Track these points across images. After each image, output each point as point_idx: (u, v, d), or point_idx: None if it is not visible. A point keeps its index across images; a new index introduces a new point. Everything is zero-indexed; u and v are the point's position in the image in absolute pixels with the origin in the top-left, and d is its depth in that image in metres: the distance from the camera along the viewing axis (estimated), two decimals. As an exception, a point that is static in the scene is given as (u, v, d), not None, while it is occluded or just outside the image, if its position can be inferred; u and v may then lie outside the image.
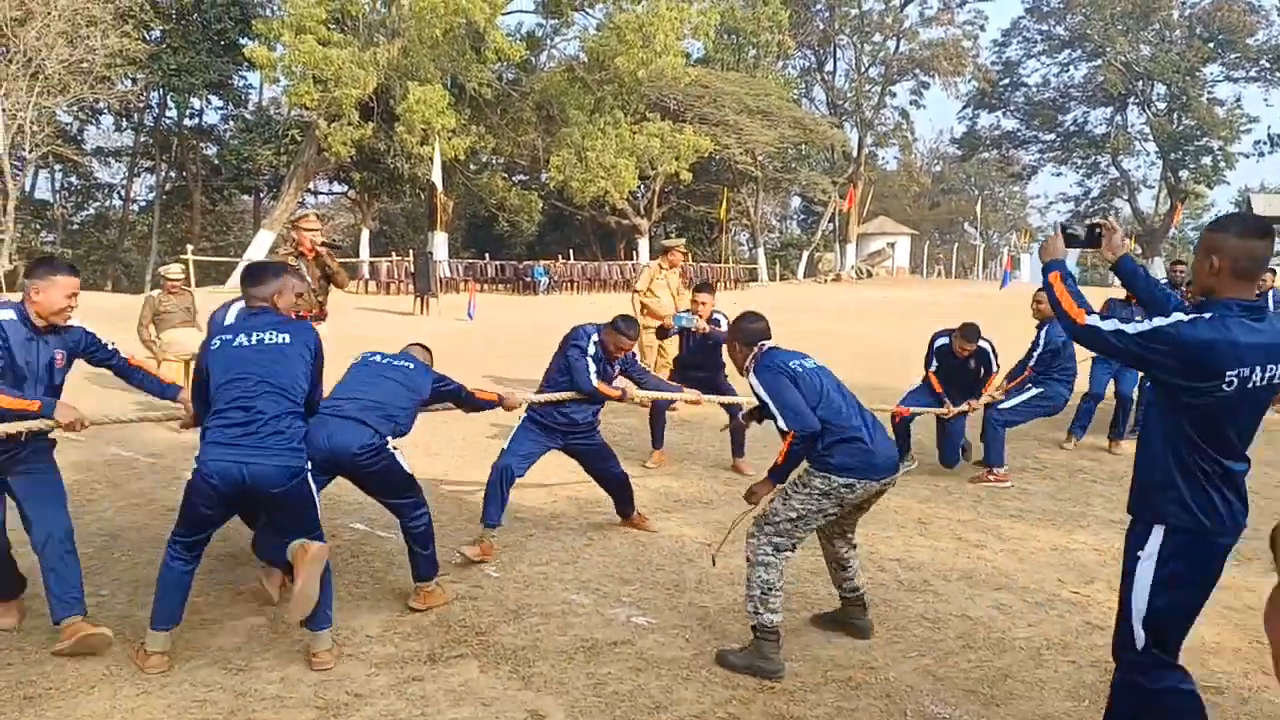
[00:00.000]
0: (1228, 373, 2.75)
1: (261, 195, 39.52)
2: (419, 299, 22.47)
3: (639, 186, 34.96)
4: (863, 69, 49.70)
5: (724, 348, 5.36)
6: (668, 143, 30.40)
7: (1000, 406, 7.52)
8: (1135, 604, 2.93)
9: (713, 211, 42.45)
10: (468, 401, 5.26)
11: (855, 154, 48.97)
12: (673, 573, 5.19)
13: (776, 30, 40.46)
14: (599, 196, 30.63)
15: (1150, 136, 56.52)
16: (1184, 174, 55.26)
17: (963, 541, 5.92)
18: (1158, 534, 2.90)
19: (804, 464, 4.10)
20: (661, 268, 10.41)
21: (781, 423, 4.03)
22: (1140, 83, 55.18)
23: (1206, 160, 55.07)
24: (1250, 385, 2.78)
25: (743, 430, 7.42)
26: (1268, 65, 53.89)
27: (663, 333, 8.21)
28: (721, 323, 7.62)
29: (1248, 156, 56.68)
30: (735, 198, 43.26)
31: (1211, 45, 53.47)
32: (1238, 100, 55.53)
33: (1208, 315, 2.81)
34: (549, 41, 35.37)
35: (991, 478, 7.33)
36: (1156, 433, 2.94)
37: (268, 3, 33.40)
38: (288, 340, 3.93)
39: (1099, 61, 55.03)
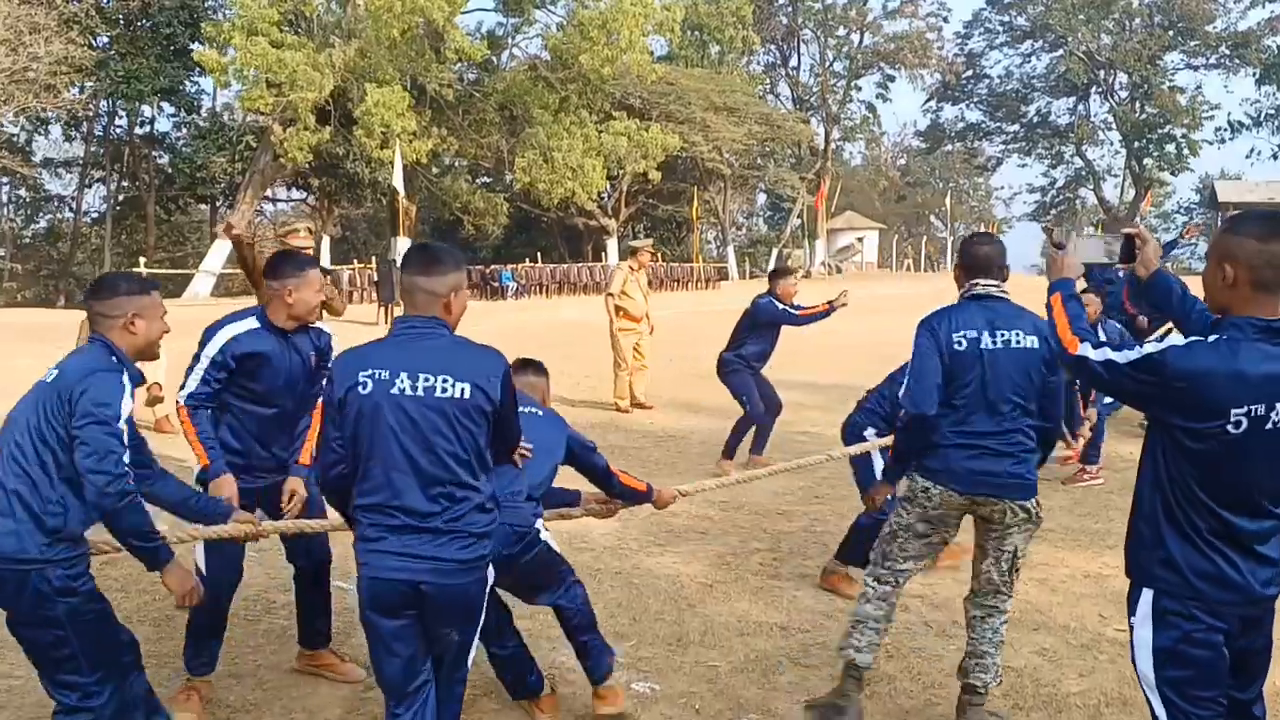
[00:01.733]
0: (1233, 410, 2.23)
1: (218, 204, 38.54)
2: (382, 308, 21.78)
3: (606, 187, 34.40)
4: (827, 63, 49.49)
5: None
6: (635, 141, 29.87)
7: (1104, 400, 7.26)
8: (1143, 671, 2.46)
9: (681, 210, 41.98)
10: (609, 484, 3.88)
11: (822, 149, 48.70)
12: (673, 623, 4.62)
13: (740, 25, 40.05)
14: (566, 198, 30.04)
15: (1113, 125, 56.85)
16: (1148, 162, 55.62)
17: (985, 570, 5.40)
18: (1147, 598, 2.42)
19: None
20: (632, 269, 10.34)
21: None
22: (1102, 72, 55.46)
23: (1170, 148, 55.46)
24: (1272, 426, 2.25)
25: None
26: (1227, 52, 54.34)
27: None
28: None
29: (1210, 143, 57.13)
30: (703, 196, 42.84)
31: (1171, 33, 53.82)
32: (1199, 88, 56.04)
33: (1213, 338, 2.30)
34: (511, 40, 34.74)
35: (1086, 476, 7.28)
36: (1147, 479, 2.44)
37: (218, 6, 32.46)
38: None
39: (1061, 52, 55.25)
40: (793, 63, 50.64)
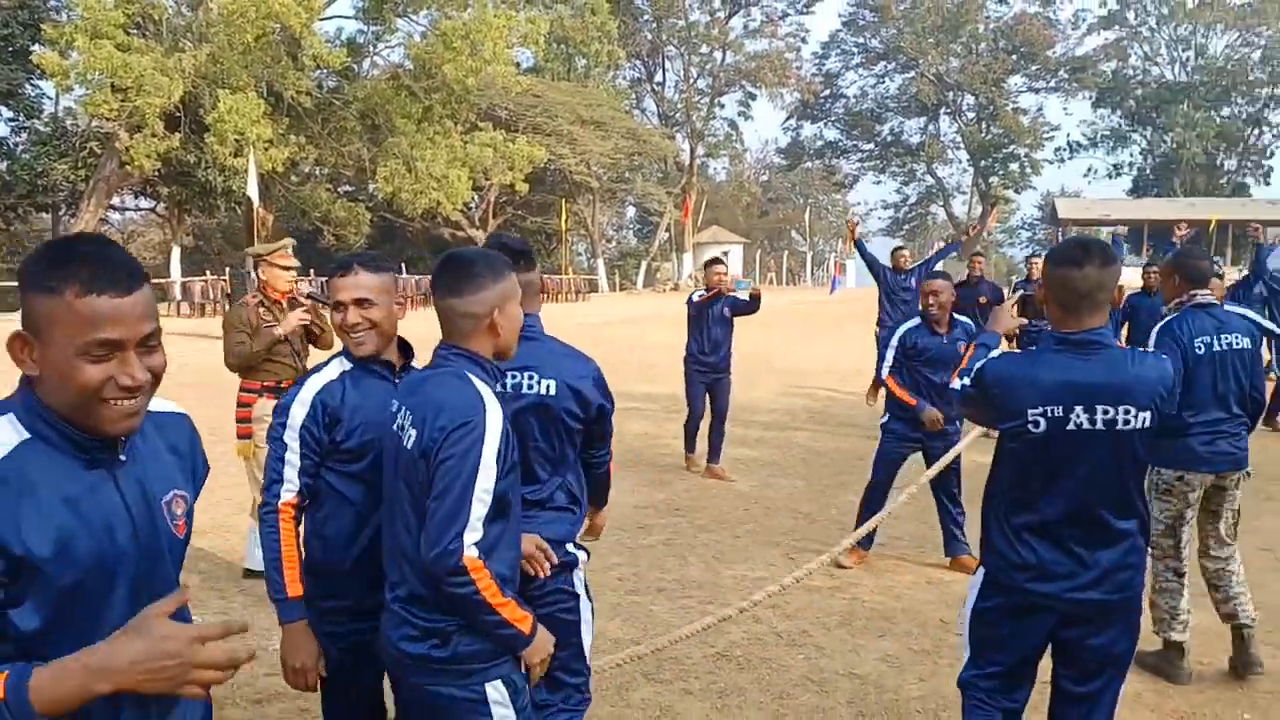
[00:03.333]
0: (1030, 411, 2.56)
1: (60, 213, 36.34)
2: (237, 322, 20.92)
3: (473, 198, 34.00)
4: (691, 80, 50.31)
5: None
6: (501, 152, 29.62)
7: None
8: (960, 622, 2.90)
9: (551, 222, 41.91)
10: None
11: (688, 164, 49.47)
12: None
13: (606, 40, 40.35)
14: (431, 208, 29.56)
15: (961, 145, 59.72)
16: (993, 180, 58.60)
17: (835, 578, 5.55)
18: (980, 573, 2.83)
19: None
20: None
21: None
22: (951, 93, 58.21)
23: (1014, 167, 58.63)
24: (1074, 428, 2.54)
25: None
26: (1066, 76, 57.88)
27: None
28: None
29: (1051, 163, 60.73)
30: (572, 208, 42.89)
31: (1015, 57, 56.94)
32: (1040, 110, 59.27)
33: (1029, 350, 2.81)
34: (372, 48, 33.95)
35: None
36: (990, 478, 2.82)
37: (60, 7, 30.66)
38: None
39: (912, 73, 57.75)
40: (658, 79, 51.37)
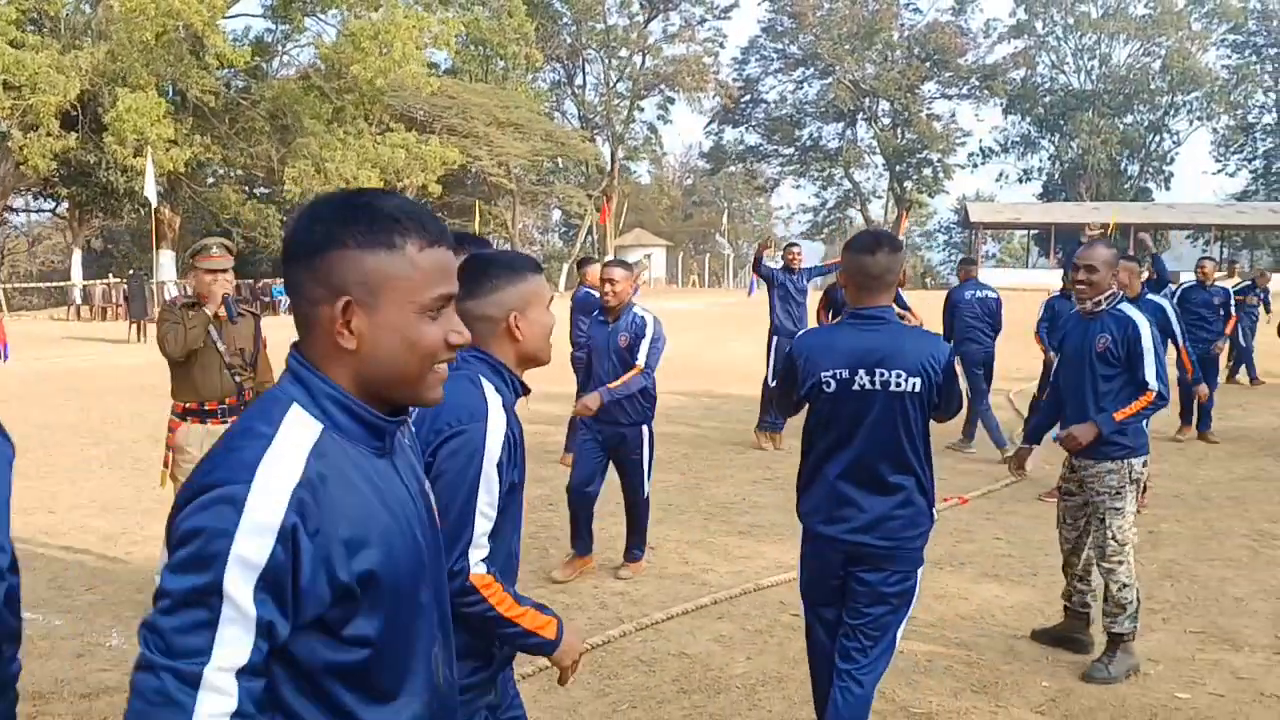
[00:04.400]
0: (823, 373, 2.99)
1: (-49, 214, 35.03)
2: (134, 324, 20.49)
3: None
4: (611, 83, 50.47)
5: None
6: (413, 154, 29.40)
7: None
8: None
9: (470, 225, 41.61)
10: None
11: (609, 167, 49.59)
12: None
13: (524, 43, 40.27)
14: (342, 211, 29.19)
15: (877, 150, 60.80)
16: (908, 184, 59.80)
17: (690, 566, 5.67)
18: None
19: (1111, 464, 4.14)
20: None
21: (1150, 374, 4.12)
22: (867, 99, 59.26)
23: (927, 171, 59.88)
24: (857, 387, 2.96)
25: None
26: (977, 84, 59.32)
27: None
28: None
29: (963, 168, 62.29)
30: (493, 211, 42.68)
31: (928, 65, 58.19)
32: (953, 116, 60.71)
33: (828, 325, 3.29)
34: (281, 47, 33.42)
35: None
36: (802, 438, 3.20)
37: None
38: None
39: (830, 79, 58.62)
40: (578, 81, 51.40)
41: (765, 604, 4.99)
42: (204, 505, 1.16)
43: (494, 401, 2.03)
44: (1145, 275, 8.13)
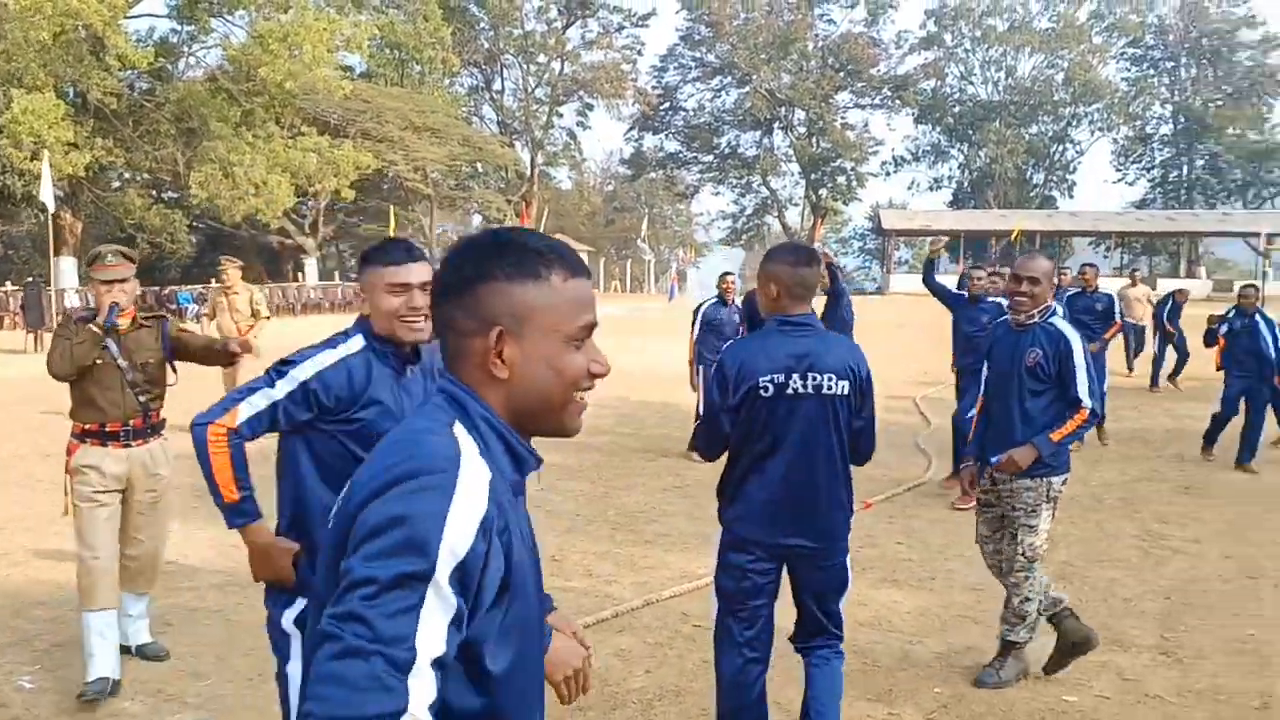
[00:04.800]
0: (761, 378, 3.05)
1: None
2: (30, 334, 19.69)
3: (303, 204, 32.96)
4: (530, 89, 50.25)
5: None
6: (326, 158, 28.83)
7: None
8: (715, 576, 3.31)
9: (386, 230, 41.00)
10: None
11: (529, 173, 49.37)
12: (263, 659, 4.42)
13: (440, 47, 39.84)
14: (250, 215, 28.48)
15: (793, 158, 61.67)
16: (823, 192, 60.76)
17: (594, 578, 5.62)
18: (720, 532, 3.28)
19: (1030, 481, 4.05)
20: (227, 289, 9.86)
21: (1083, 391, 4.06)
22: (783, 108, 60.05)
23: (842, 180, 60.93)
24: (792, 390, 3.06)
25: None
26: (889, 94, 60.59)
27: None
28: None
29: (876, 176, 63.38)
30: (410, 216, 42.13)
31: (842, 74, 59.24)
32: (866, 125, 61.77)
33: (756, 334, 3.22)
34: (187, 49, 32.49)
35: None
36: (728, 451, 3.25)
37: None
38: None
39: (747, 88, 59.28)
40: (496, 86, 51.03)
41: (667, 615, 4.97)
42: (411, 491, 1.16)
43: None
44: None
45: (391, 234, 34.56)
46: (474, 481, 1.20)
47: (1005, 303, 7.59)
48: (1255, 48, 57.35)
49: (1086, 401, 4.03)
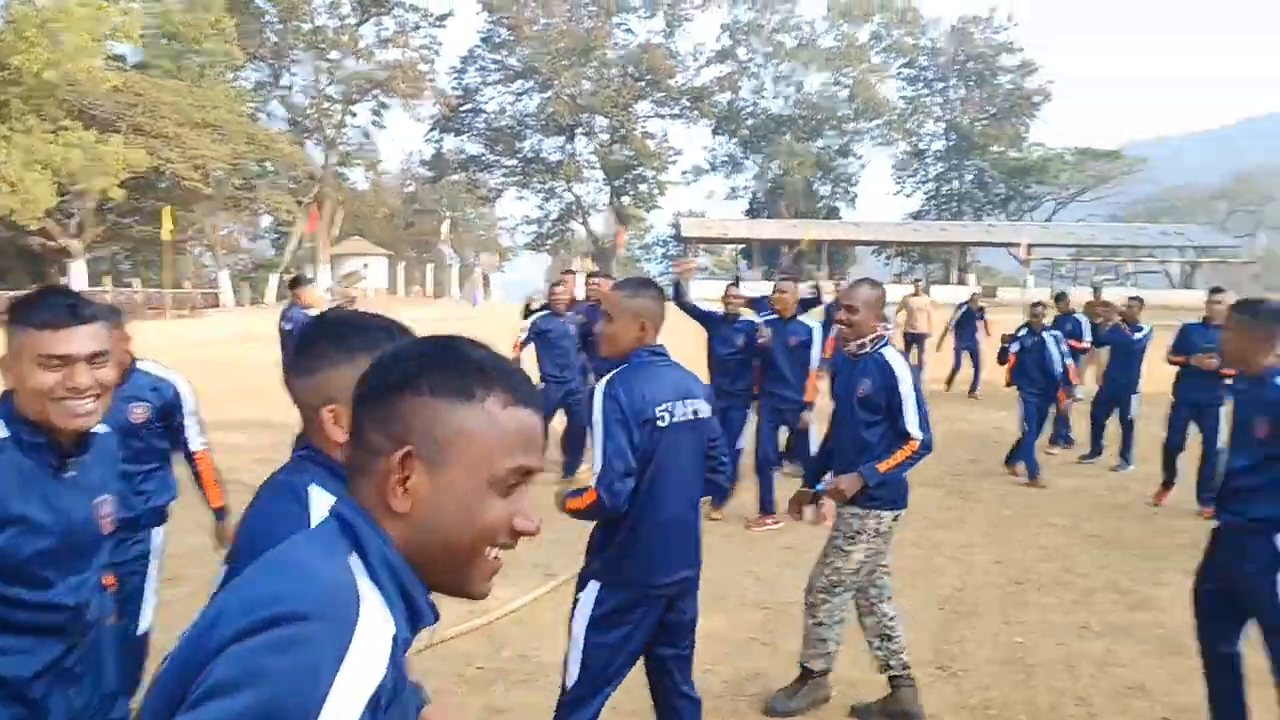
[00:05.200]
0: (656, 408, 3.00)
1: None
2: None
3: (68, 203, 30.28)
4: (321, 86, 48.25)
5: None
6: (91, 155, 26.58)
7: None
8: (576, 640, 3.05)
9: (156, 230, 38.35)
10: None
11: (320, 173, 47.41)
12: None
13: (223, 39, 37.59)
14: (5, 215, 25.89)
15: (597, 164, 62.18)
16: (626, 199, 61.59)
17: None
18: (593, 586, 3.08)
19: (858, 509, 3.98)
20: None
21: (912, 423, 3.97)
22: (585, 115, 60.43)
23: (644, 187, 61.98)
24: (679, 418, 3.05)
25: None
26: (688, 104, 62.11)
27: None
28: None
29: (676, 184, 64.86)
30: (191, 216, 39.56)
31: (642, 84, 60.23)
32: (665, 134, 63.08)
33: (631, 366, 3.08)
34: (-72, 31, 29.21)
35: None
36: None
37: None
38: None
39: (549, 93, 59.29)
40: (285, 82, 48.71)
41: (450, 658, 4.73)
42: (290, 641, 0.90)
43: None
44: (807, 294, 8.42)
45: (166, 236, 32.20)
46: (374, 640, 0.96)
47: (759, 320, 7.76)
48: (1014, 72, 62.53)
49: (915, 434, 3.95)
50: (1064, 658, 4.88)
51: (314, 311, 8.27)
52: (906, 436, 3.96)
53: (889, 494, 4.01)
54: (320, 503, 1.44)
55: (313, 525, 1.33)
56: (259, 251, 59.93)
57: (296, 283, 8.53)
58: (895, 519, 4.08)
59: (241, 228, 56.92)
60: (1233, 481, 3.43)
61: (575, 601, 3.09)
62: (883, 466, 3.93)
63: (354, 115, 50.01)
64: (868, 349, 4.07)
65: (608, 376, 3.07)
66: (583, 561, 3.15)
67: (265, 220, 56.27)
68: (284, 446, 1.69)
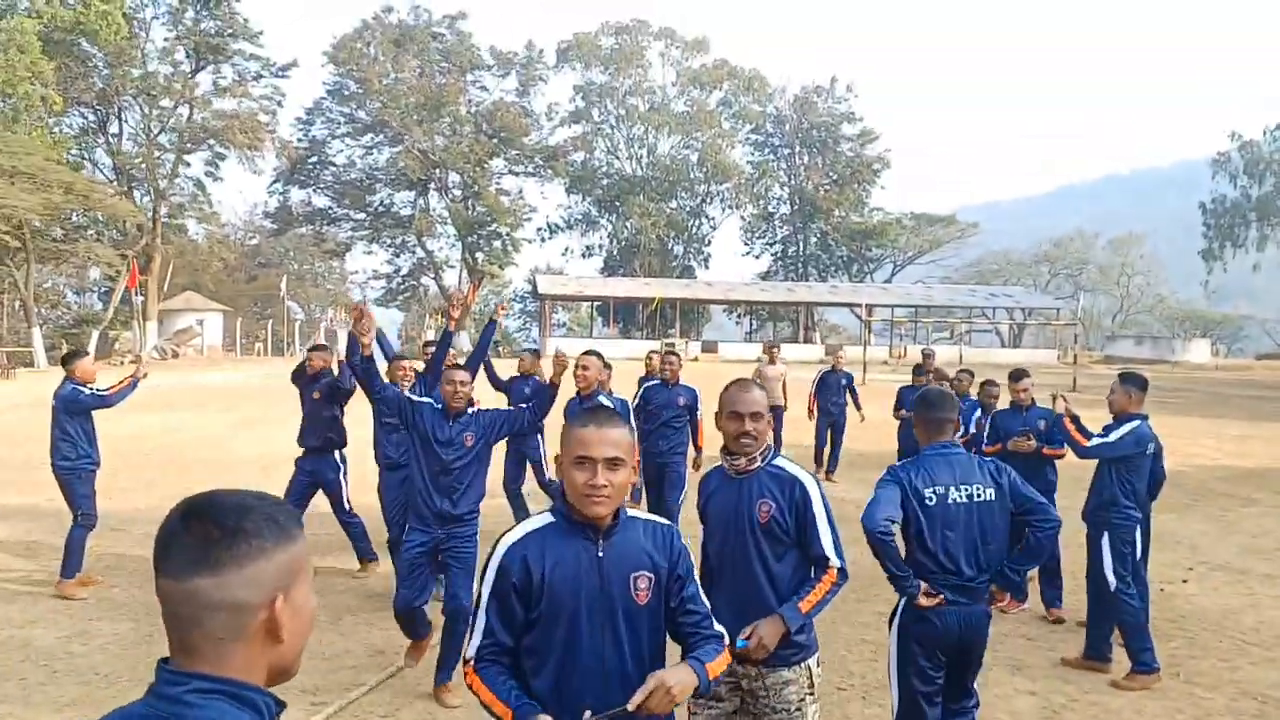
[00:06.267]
0: None
1: None
2: None
3: None
4: (152, 134, 45.92)
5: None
6: (-125, 204, 24.26)
7: None
8: None
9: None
10: None
11: (150, 225, 44.93)
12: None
13: (39, 82, 35.32)
14: None
15: (449, 220, 61.32)
16: (480, 255, 60.86)
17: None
18: None
19: (788, 671, 3.23)
20: None
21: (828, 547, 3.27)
22: (437, 170, 59.69)
23: (498, 244, 61.41)
24: None
25: None
26: (541, 163, 62.15)
27: None
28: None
29: (531, 242, 64.53)
30: (3, 270, 36.78)
31: (495, 141, 60.00)
32: (520, 192, 62.76)
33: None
34: None
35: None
36: None
37: None
38: None
39: (400, 148, 58.32)
40: (112, 129, 46.12)
41: None
42: None
43: None
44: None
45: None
46: None
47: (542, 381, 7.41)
48: (855, 140, 65.26)
49: (834, 560, 3.19)
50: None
51: (90, 389, 7.48)
52: (823, 564, 3.20)
53: (810, 635, 3.28)
54: None
55: None
56: (86, 305, 56.29)
57: (70, 357, 7.59)
58: (819, 664, 3.31)
59: (66, 280, 53.36)
60: None
61: None
62: (804, 605, 3.14)
63: (188, 165, 47.73)
64: (759, 463, 3.27)
65: None
66: None
67: (93, 273, 52.94)
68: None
